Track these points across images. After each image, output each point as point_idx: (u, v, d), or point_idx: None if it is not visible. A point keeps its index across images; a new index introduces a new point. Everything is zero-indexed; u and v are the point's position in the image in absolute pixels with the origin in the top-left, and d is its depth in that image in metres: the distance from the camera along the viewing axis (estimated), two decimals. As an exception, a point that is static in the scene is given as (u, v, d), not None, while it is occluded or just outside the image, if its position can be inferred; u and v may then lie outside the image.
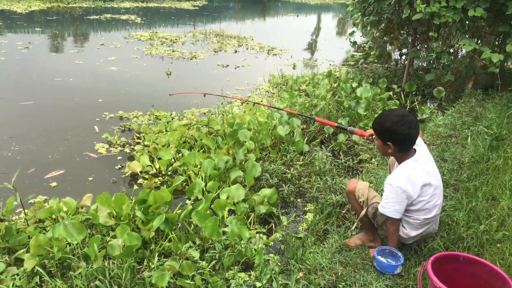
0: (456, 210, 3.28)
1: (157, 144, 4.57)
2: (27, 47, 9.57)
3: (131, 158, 4.50)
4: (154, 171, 4.25)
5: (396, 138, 2.54)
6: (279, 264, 2.88)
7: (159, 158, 4.30)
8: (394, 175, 2.63)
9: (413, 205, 2.59)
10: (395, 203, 2.56)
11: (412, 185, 2.53)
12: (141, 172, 4.18)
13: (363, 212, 2.82)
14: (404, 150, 2.61)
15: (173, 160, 4.35)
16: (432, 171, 2.64)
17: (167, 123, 5.21)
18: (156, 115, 5.67)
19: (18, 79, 7.21)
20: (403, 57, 9.09)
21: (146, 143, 4.75)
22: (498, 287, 2.21)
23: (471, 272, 2.34)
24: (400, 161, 2.66)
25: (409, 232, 2.68)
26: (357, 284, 2.54)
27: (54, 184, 3.94)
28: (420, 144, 2.70)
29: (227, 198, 3.52)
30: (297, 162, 4.36)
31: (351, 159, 4.60)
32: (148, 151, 4.54)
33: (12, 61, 8.32)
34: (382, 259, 2.69)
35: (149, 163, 4.26)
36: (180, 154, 4.44)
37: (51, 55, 9.25)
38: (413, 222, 2.65)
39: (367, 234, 2.97)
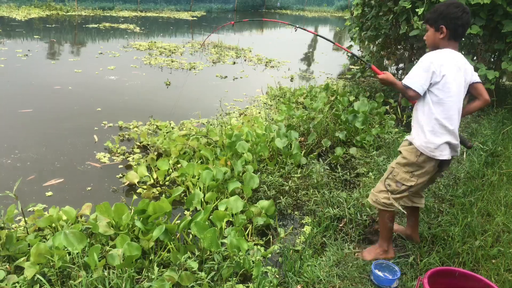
0: (452, 225, 3.32)
1: (158, 152, 4.59)
2: (27, 55, 9.61)
3: (130, 167, 4.53)
4: (152, 181, 4.27)
5: (449, 20, 2.61)
6: (277, 276, 2.90)
7: (157, 168, 4.34)
8: (429, 53, 2.69)
9: (433, 94, 2.61)
10: (418, 74, 2.60)
11: (441, 61, 2.58)
12: (138, 182, 4.21)
13: (383, 190, 2.84)
14: (453, 38, 2.67)
15: (171, 170, 4.39)
16: (463, 77, 2.65)
17: (167, 133, 5.25)
18: (156, 125, 5.71)
19: (18, 86, 7.23)
20: (400, 72, 9.19)
21: (154, 152, 4.76)
22: (493, 303, 2.25)
23: (466, 287, 2.38)
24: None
25: (430, 138, 2.61)
26: (354, 298, 2.57)
27: (50, 193, 3.94)
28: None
29: (226, 209, 3.54)
30: (295, 175, 4.40)
31: (348, 173, 4.64)
32: (146, 161, 4.58)
33: (11, 69, 8.34)
34: (379, 273, 2.73)
35: (147, 174, 4.28)
36: (179, 165, 4.48)
37: (50, 63, 9.28)
38: (433, 126, 2.62)
39: (382, 245, 2.97)
